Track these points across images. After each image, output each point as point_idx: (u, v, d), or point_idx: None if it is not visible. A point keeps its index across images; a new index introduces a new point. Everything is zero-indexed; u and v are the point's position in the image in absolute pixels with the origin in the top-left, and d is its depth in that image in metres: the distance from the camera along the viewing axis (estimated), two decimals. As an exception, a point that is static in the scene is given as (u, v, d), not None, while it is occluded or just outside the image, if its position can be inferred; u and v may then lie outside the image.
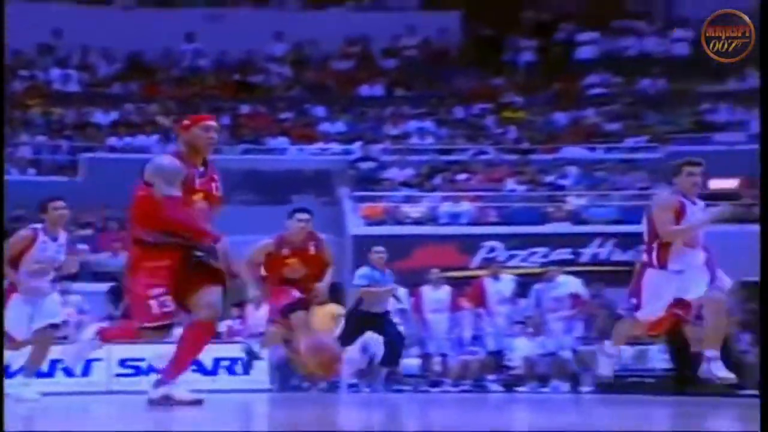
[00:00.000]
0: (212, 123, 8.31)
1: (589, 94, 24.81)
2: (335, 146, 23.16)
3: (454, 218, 20.60)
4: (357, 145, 22.86)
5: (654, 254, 9.57)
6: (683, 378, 13.73)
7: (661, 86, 24.56)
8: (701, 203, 9.78)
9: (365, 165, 22.13)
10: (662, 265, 9.50)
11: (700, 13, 25.22)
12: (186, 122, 8.31)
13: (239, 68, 25.51)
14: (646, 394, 13.31)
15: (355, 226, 20.16)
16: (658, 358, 14.81)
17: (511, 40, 26.28)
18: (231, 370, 16.03)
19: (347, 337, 13.87)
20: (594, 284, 17.13)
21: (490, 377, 15.69)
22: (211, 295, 8.15)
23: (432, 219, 20.69)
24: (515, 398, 13.68)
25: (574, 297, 15.89)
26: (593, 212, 20.90)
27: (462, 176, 21.90)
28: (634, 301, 9.90)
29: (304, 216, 11.92)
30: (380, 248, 14.51)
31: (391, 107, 24.58)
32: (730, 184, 21.24)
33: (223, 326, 17.61)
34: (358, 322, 13.87)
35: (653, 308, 9.63)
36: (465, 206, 20.67)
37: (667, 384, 14.09)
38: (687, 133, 22.93)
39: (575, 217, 20.75)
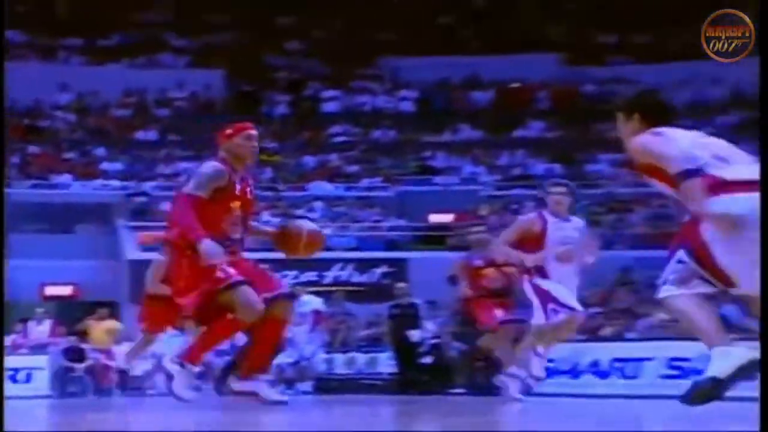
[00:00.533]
0: (254, 132, 7.27)
1: (333, 141, 24.94)
2: (114, 182, 22.57)
3: (217, 245, 20.29)
4: (133, 182, 22.36)
5: (533, 271, 9.29)
6: (406, 380, 13.83)
7: (391, 136, 24.91)
8: (576, 220, 9.51)
9: (140, 199, 21.64)
10: (543, 276, 9.23)
11: (422, 77, 25.89)
12: (228, 131, 7.22)
13: (28, 114, 24.57)
14: (377, 394, 13.35)
15: (131, 252, 19.65)
16: (386, 363, 14.84)
17: (268, 95, 26.22)
18: (13, 379, 15.28)
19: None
20: (335, 301, 17.14)
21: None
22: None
23: (199, 246, 20.32)
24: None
25: (316, 313, 15.82)
26: (335, 241, 20.92)
27: (225, 209, 21.59)
28: (544, 309, 9.36)
29: None
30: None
31: (163, 150, 24.11)
32: (447, 218, 21.71)
33: (7, 340, 16.87)
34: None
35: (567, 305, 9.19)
36: (227, 235, 20.37)
37: (393, 386, 14.12)
38: (412, 176, 23.32)
39: (320, 245, 20.73)
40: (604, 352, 13.19)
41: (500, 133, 24.58)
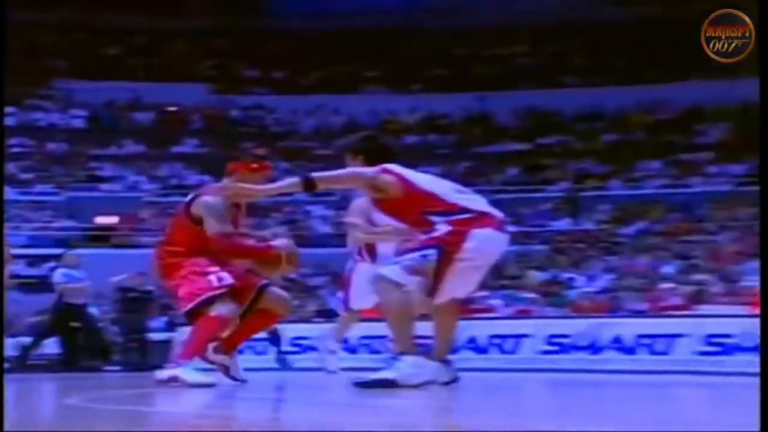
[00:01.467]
0: (270, 171, 6.97)
1: (10, 152, 23.83)
2: None
3: None
4: None
5: (364, 252, 8.35)
6: (69, 360, 13.61)
7: (63, 148, 24.17)
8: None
9: None
10: (373, 260, 8.23)
11: (91, 99, 25.26)
12: (254, 165, 6.82)
13: None
14: (42, 372, 12.97)
15: None
16: (52, 345, 14.38)
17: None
18: None
19: (54, 325, 13.15)
20: (8, 292, 16.39)
21: None
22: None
23: None
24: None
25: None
26: (10, 239, 20.03)
27: None
28: (341, 295, 8.70)
29: None
30: (72, 252, 13.97)
31: None
32: (113, 220, 21.50)
33: None
34: (62, 312, 13.22)
35: (365, 299, 8.01)
36: None
37: (57, 365, 13.75)
38: (83, 183, 22.86)
39: (-5, 243, 19.81)
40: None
41: (160, 148, 24.58)
